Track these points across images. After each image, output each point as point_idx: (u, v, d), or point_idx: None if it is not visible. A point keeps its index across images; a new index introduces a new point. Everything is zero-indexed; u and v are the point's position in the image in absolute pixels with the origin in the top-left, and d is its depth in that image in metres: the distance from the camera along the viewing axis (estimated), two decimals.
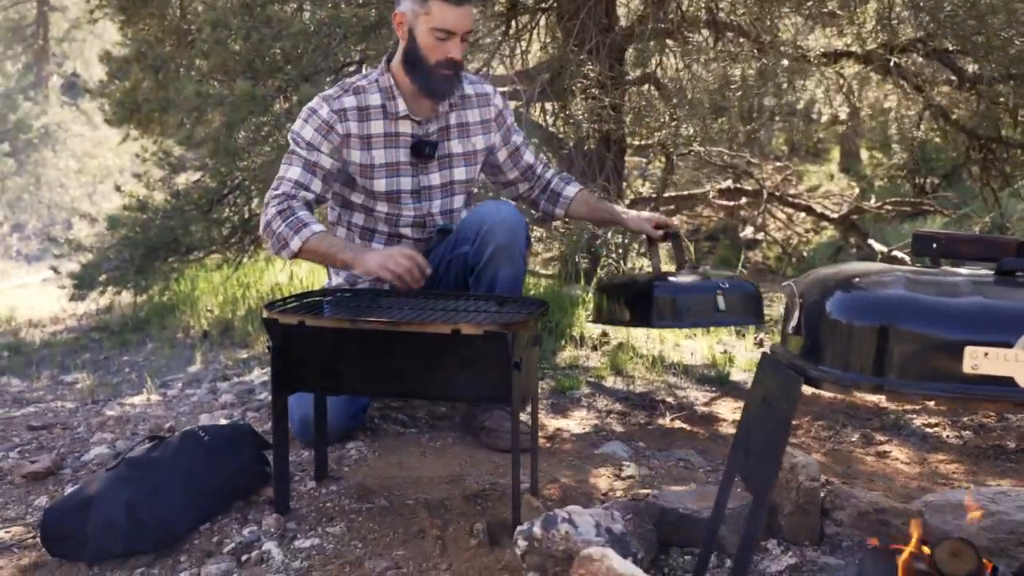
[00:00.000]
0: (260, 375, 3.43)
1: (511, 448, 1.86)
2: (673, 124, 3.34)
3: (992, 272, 1.36)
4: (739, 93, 3.29)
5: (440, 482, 2.18)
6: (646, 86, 3.94)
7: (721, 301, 2.36)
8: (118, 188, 4.42)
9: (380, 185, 2.48)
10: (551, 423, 2.74)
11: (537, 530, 1.35)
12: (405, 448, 2.44)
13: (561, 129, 3.47)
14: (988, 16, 3.74)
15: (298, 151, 2.41)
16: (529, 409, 2.23)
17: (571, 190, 2.67)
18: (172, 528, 1.86)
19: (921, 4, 3.76)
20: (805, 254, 8.01)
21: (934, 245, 1.41)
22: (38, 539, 1.92)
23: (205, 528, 1.93)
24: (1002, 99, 4.05)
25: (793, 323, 1.39)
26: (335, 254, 2.32)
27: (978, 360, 1.21)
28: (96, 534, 1.80)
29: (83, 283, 4.28)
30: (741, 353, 3.80)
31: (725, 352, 3.78)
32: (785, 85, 3.72)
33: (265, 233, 2.38)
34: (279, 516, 1.93)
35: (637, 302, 2.41)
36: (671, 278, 2.40)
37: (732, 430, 2.74)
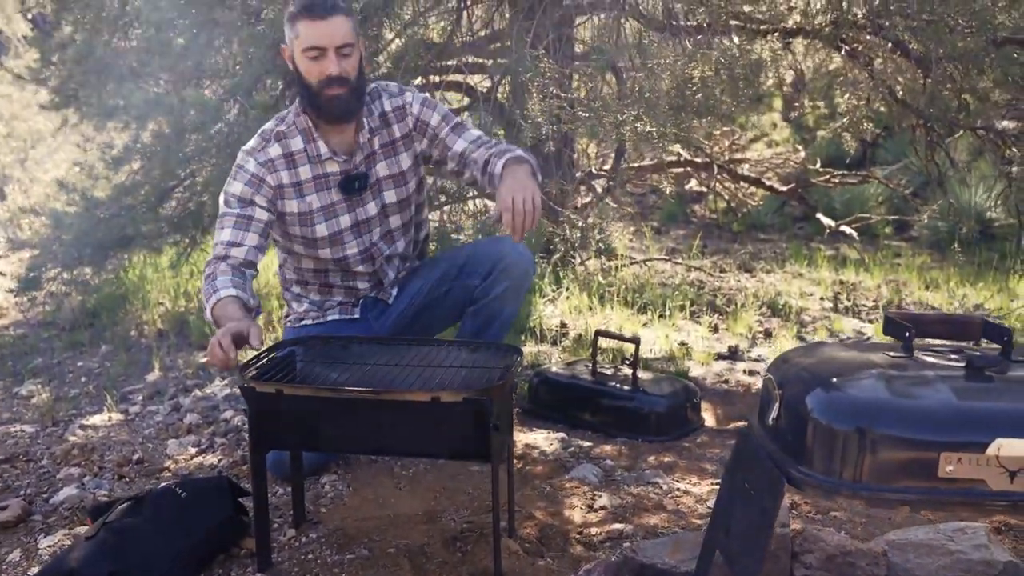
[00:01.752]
0: (222, 387, 3.42)
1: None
2: (632, 122, 3.34)
3: (963, 364, 1.41)
4: (698, 94, 3.30)
5: (418, 522, 2.22)
6: (601, 77, 3.93)
7: None
8: (61, 184, 4.28)
9: (321, 230, 2.46)
10: (519, 437, 2.78)
11: None
12: (379, 480, 2.47)
13: (519, 123, 3.45)
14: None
15: (229, 211, 2.35)
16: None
17: (499, 166, 2.32)
18: None
19: None
20: (749, 209, 8.12)
21: (906, 333, 1.46)
22: None
23: None
24: (949, 82, 4.12)
25: (773, 415, 1.44)
26: (216, 320, 2.14)
27: (952, 465, 1.27)
28: None
29: (30, 284, 4.17)
30: (698, 344, 3.88)
31: (682, 344, 3.85)
32: (740, 72, 3.74)
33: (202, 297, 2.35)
34: (262, 575, 1.96)
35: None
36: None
37: (694, 442, 2.81)
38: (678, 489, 2.44)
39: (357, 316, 2.63)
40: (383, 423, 1.90)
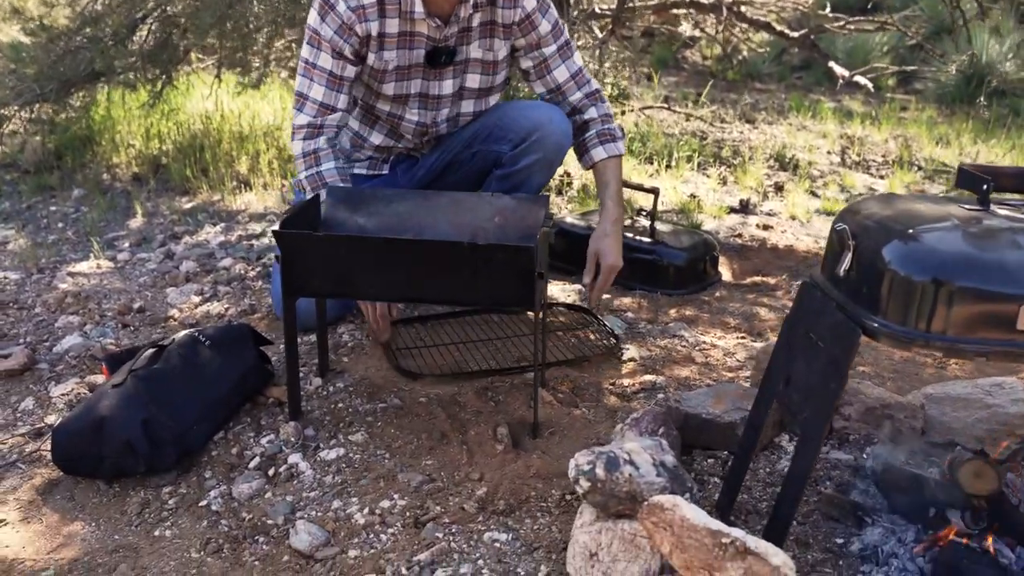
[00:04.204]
0: (215, 234, 3.41)
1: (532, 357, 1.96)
2: None
3: None
4: None
5: (444, 371, 2.28)
6: None
7: None
8: (16, 11, 4.11)
9: (388, 89, 2.41)
10: None
11: (600, 472, 1.47)
12: (397, 329, 2.52)
13: None
14: None
15: (320, 63, 2.29)
16: None
17: (598, 154, 2.46)
18: (191, 443, 1.93)
19: None
20: (746, 55, 8.04)
21: (984, 186, 1.50)
22: (40, 452, 1.98)
23: (220, 437, 2.01)
24: None
25: (845, 266, 1.49)
26: None
27: None
28: (115, 455, 1.85)
29: None
30: (708, 196, 3.93)
31: (693, 196, 3.90)
32: None
33: (297, 166, 2.36)
34: (296, 424, 2.02)
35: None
36: None
37: (712, 296, 2.89)
38: (704, 342, 2.53)
39: (385, 172, 2.63)
40: (426, 271, 1.93)
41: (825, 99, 6.78)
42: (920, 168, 4.73)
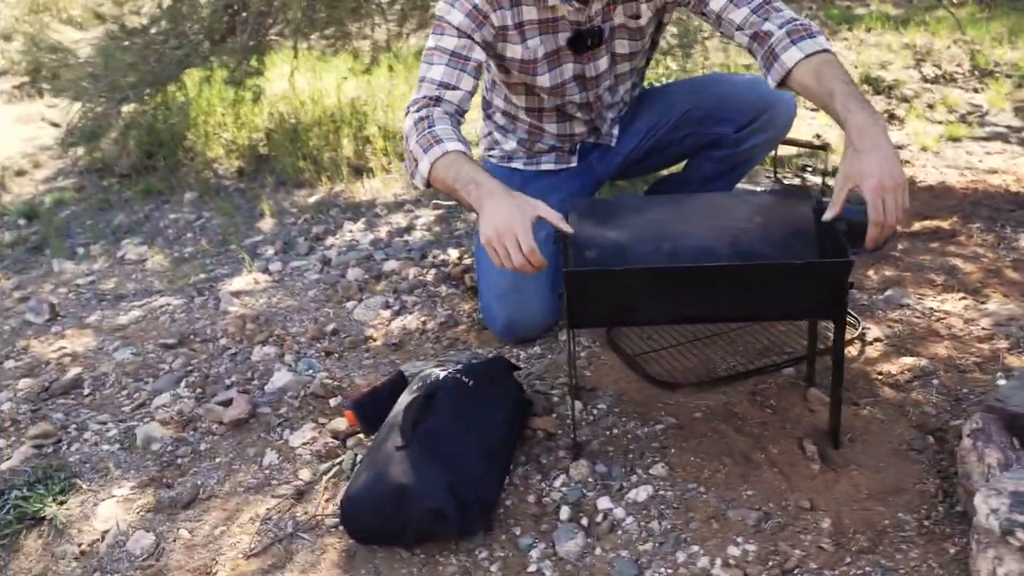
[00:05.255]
0: (359, 232, 3.15)
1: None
2: None
3: None
4: None
5: (700, 377, 2.06)
6: None
7: None
8: (98, 15, 3.74)
9: (543, 81, 2.12)
10: None
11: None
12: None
13: None
14: None
15: (443, 44, 1.97)
16: None
17: (791, 57, 1.78)
18: (490, 500, 1.71)
19: None
20: None
21: None
22: (317, 519, 1.77)
23: (508, 484, 1.79)
24: None
25: None
26: (459, 188, 1.79)
27: None
28: (422, 523, 1.63)
29: (84, 136, 3.73)
30: (835, 140, 3.66)
31: (817, 136, 3.63)
32: None
33: (406, 151, 1.95)
34: (588, 463, 1.80)
35: None
36: None
37: (896, 250, 2.66)
38: (933, 309, 2.31)
39: (574, 164, 2.36)
40: (731, 290, 1.69)
41: (855, 5, 6.43)
42: (1008, 76, 4.46)
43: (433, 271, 2.74)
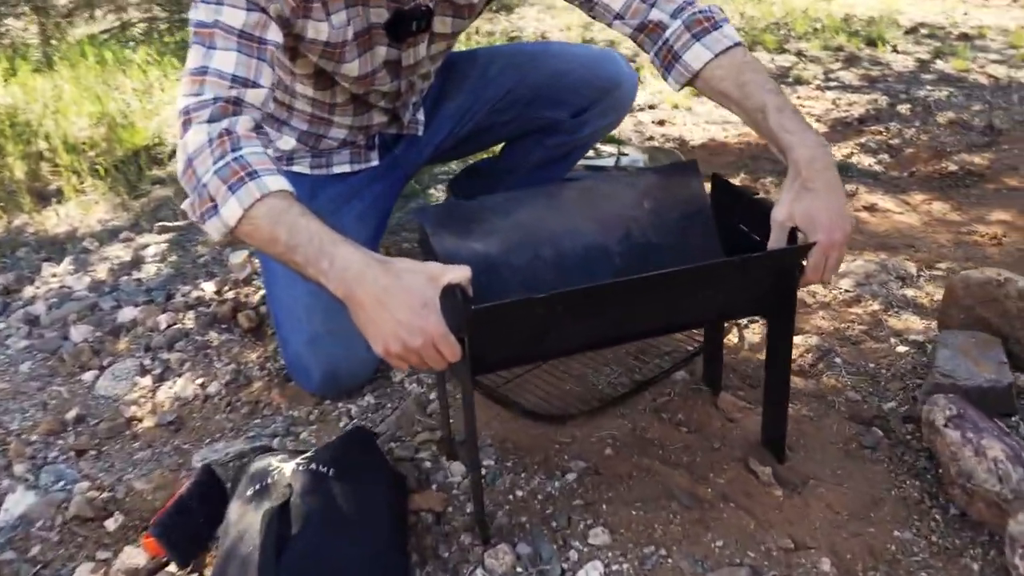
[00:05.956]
0: (69, 273, 2.41)
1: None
2: None
3: None
4: None
5: (573, 399, 1.69)
6: None
7: None
8: None
9: (352, 68, 1.61)
10: None
11: None
12: None
13: None
14: None
15: (225, 20, 1.34)
16: None
17: (698, 57, 1.46)
18: None
19: None
20: None
21: None
22: None
23: None
24: None
25: None
26: (296, 260, 1.22)
27: None
28: None
29: None
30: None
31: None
32: None
33: (184, 179, 1.31)
34: (507, 545, 1.36)
35: None
36: None
37: None
38: None
39: (375, 163, 1.87)
40: (666, 301, 1.32)
41: None
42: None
43: (191, 314, 2.12)
